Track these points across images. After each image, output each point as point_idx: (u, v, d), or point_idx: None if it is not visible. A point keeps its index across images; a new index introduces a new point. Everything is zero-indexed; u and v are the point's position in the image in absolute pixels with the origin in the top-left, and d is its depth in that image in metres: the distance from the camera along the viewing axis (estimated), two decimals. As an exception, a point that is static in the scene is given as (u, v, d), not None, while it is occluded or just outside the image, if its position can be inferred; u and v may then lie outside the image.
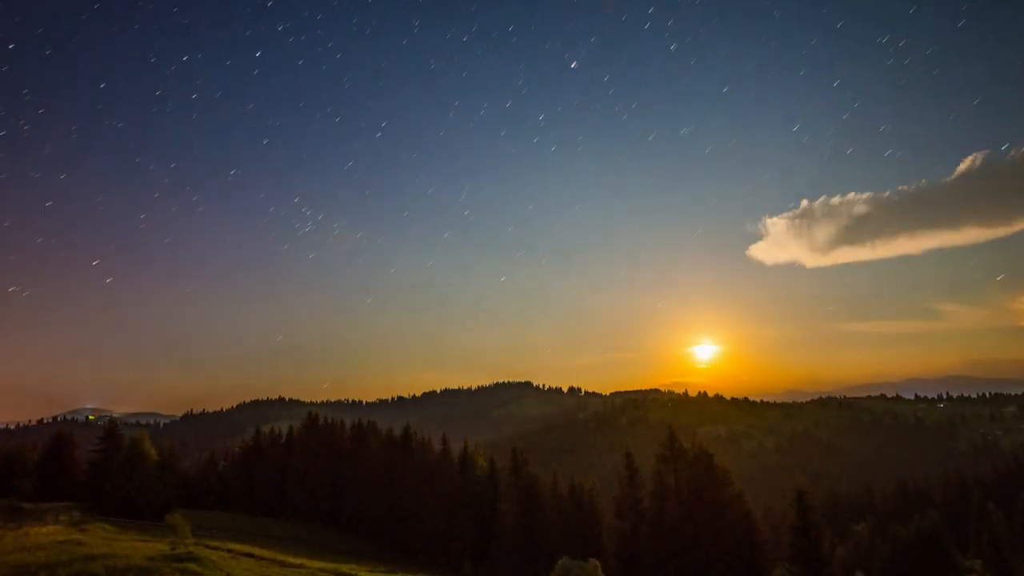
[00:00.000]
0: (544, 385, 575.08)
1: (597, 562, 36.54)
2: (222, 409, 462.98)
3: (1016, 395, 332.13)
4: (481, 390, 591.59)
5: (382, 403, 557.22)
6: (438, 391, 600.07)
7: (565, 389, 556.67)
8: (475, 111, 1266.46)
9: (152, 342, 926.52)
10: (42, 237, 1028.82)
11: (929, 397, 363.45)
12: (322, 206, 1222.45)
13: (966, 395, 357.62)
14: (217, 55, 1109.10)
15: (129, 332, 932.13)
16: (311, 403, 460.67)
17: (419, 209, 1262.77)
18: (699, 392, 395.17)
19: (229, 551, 38.08)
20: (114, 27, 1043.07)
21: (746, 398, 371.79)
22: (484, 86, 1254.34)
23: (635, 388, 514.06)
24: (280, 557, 39.73)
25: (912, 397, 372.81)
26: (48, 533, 35.61)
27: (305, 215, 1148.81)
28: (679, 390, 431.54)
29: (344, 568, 40.03)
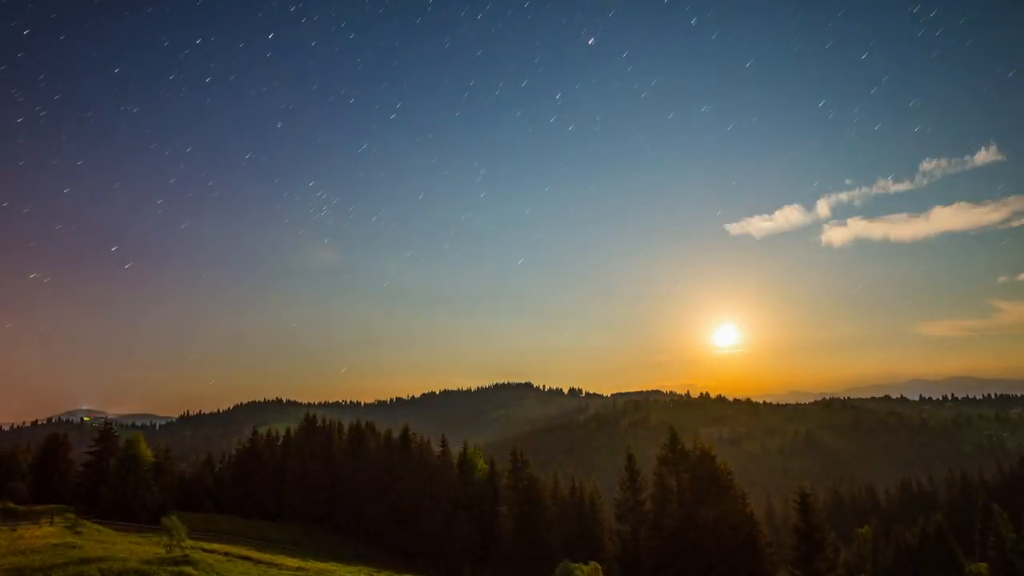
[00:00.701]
0: (544, 386, 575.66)
1: (598, 565, 36.55)
2: (219, 410, 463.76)
3: (1022, 396, 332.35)
4: (481, 391, 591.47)
5: (380, 404, 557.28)
6: (437, 392, 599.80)
7: (566, 390, 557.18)
8: (491, 91, 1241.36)
9: (148, 341, 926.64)
10: (61, 223, 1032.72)
11: (934, 398, 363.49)
12: (337, 190, 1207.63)
13: (971, 396, 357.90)
14: (230, 37, 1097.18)
15: (126, 330, 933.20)
16: (309, 404, 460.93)
17: (435, 191, 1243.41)
18: (701, 393, 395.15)
19: (226, 554, 38.09)
20: (127, 11, 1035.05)
21: (748, 399, 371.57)
22: (499, 65, 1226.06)
23: (636, 389, 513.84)
24: (278, 560, 39.73)
25: (916, 398, 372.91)
26: (43, 536, 35.60)
27: (320, 199, 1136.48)
28: (681, 391, 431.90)
29: (342, 571, 40.04)
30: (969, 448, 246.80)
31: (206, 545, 40.69)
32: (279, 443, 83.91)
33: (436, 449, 70.94)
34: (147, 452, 61.71)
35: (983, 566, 67.04)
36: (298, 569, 37.58)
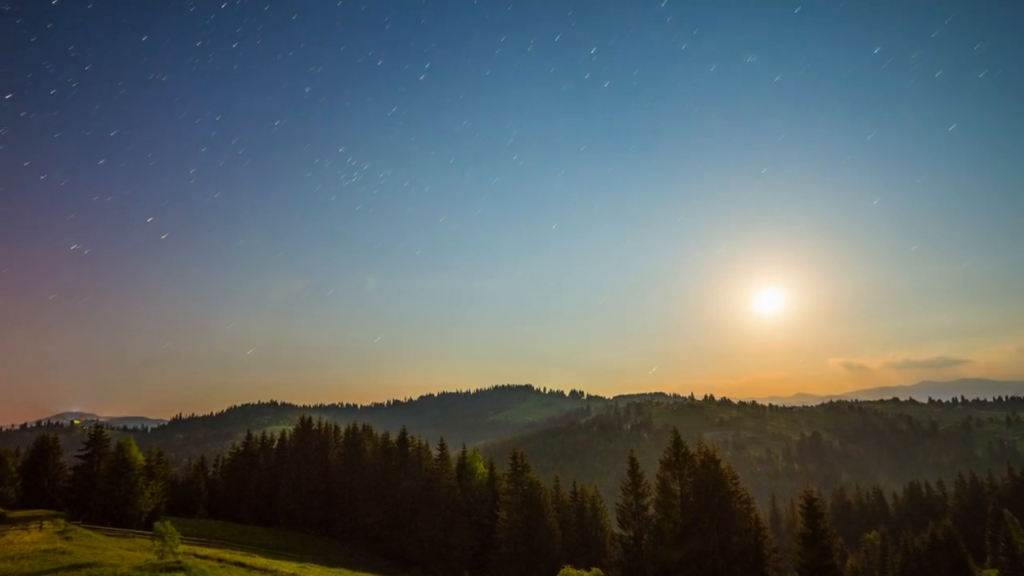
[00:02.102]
0: (545, 388, 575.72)
1: (600, 572, 36.59)
2: (212, 413, 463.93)
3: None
4: (480, 393, 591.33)
5: (377, 407, 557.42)
6: (435, 394, 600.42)
7: (567, 392, 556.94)
8: (523, 47, 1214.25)
9: (140, 342, 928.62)
10: (98, 195, 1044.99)
11: (944, 401, 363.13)
12: (368, 155, 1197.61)
13: (982, 399, 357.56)
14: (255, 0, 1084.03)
15: (117, 331, 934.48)
16: (304, 407, 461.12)
17: (466, 155, 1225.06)
18: (705, 395, 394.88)
19: (219, 560, 38.08)
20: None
21: (754, 401, 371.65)
22: (532, 19, 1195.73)
23: (639, 391, 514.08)
24: (272, 566, 39.72)
25: (926, 401, 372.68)
26: (32, 541, 35.59)
27: (351, 165, 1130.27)
28: (685, 393, 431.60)
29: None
30: (980, 452, 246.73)
31: (199, 551, 40.70)
32: (274, 446, 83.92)
33: (434, 453, 70.94)
34: (139, 456, 61.59)
35: (994, 572, 67.10)
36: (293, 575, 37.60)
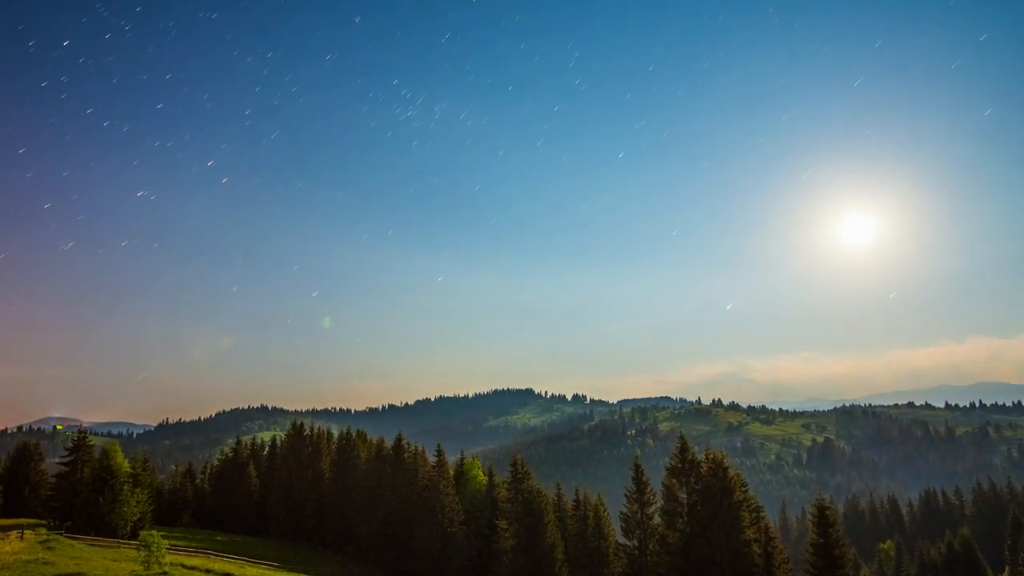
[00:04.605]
0: (546, 392, 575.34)
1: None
2: (200, 418, 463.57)
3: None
4: (479, 398, 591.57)
5: (372, 412, 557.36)
6: (432, 399, 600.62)
7: (569, 396, 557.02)
8: None
9: (131, 342, 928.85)
10: (158, 140, 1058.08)
11: (961, 405, 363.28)
12: (422, 87, 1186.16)
13: (1000, 403, 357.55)
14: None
15: (103, 332, 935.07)
16: (296, 411, 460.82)
17: (525, 82, 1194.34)
18: (713, 399, 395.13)
19: (206, 571, 38.13)
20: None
21: (764, 406, 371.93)
22: None
23: (644, 396, 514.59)
24: (262, 577, 39.75)
25: (942, 405, 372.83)
26: (13, 552, 35.57)
27: (405, 98, 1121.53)
28: (691, 397, 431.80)
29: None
30: (998, 458, 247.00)
31: (186, 561, 40.72)
32: (264, 453, 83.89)
33: (431, 459, 70.90)
34: (124, 462, 61.58)
35: (1013, 583, 67.09)
36: (284, 587, 37.64)
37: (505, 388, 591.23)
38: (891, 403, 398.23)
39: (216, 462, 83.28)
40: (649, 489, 50.26)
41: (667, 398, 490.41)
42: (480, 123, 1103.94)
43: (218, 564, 42.71)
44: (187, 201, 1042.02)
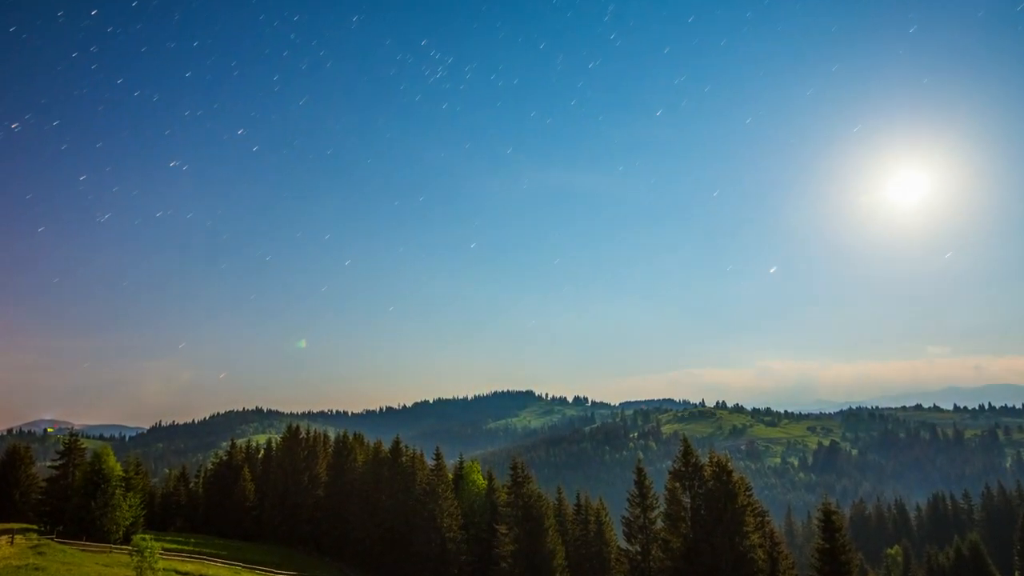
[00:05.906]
0: (547, 394, 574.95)
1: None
2: (194, 420, 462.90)
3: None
4: (478, 400, 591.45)
5: (369, 414, 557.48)
6: (431, 401, 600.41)
7: (570, 398, 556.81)
8: None
9: (124, 342, 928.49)
10: (188, 110, 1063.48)
11: (969, 407, 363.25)
12: (452, 48, 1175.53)
13: (1010, 405, 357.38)
14: None
15: (95, 332, 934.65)
16: (291, 414, 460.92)
17: (558, 39, 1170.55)
18: (717, 401, 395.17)
19: (201, 577, 38.11)
20: None
21: (768, 408, 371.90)
22: None
23: (647, 398, 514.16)
24: (257, 583, 39.77)
25: (951, 407, 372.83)
26: (3, 558, 35.59)
27: (435, 59, 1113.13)
28: (695, 399, 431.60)
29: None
30: (1008, 460, 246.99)
31: (179, 566, 40.74)
32: (259, 456, 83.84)
33: (430, 463, 70.91)
34: (116, 466, 61.60)
35: (1023, 589, 67.07)
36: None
37: (505, 390, 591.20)
38: (898, 405, 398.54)
39: (210, 465, 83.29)
40: (652, 493, 50.25)
41: (670, 400, 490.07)
42: (512, 83, 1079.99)
43: (212, 570, 42.74)
44: (218, 171, 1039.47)
